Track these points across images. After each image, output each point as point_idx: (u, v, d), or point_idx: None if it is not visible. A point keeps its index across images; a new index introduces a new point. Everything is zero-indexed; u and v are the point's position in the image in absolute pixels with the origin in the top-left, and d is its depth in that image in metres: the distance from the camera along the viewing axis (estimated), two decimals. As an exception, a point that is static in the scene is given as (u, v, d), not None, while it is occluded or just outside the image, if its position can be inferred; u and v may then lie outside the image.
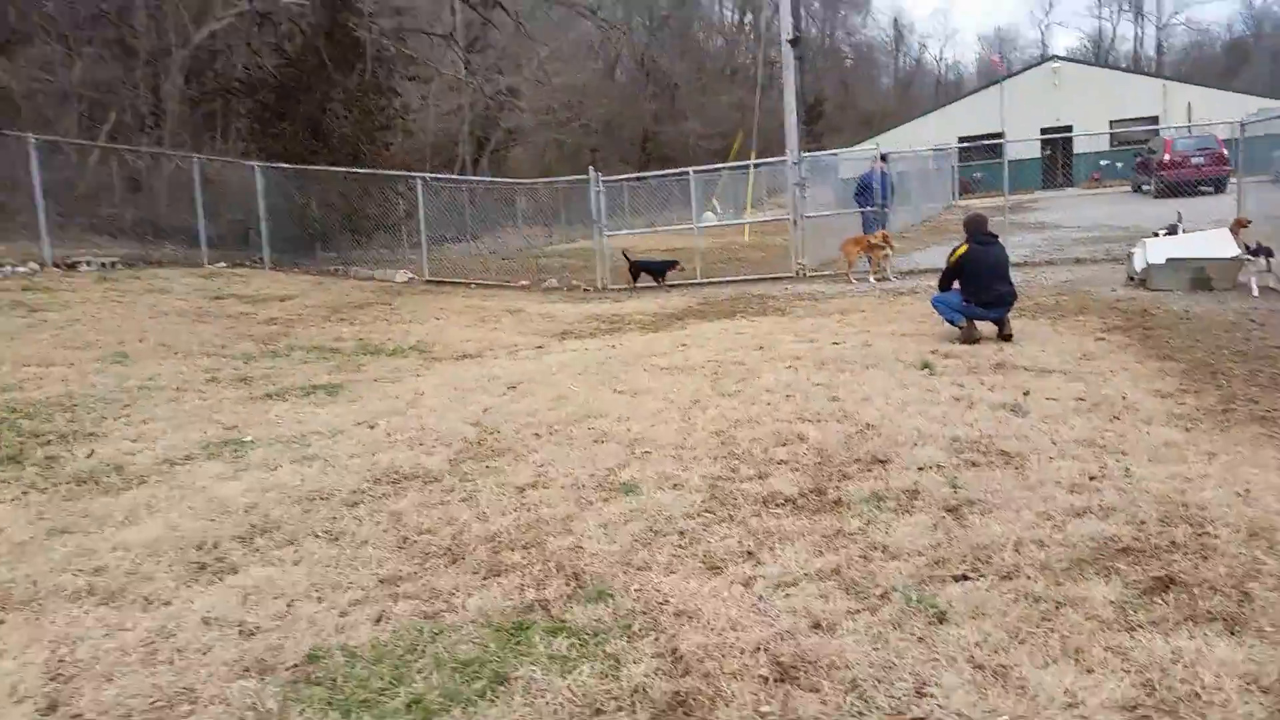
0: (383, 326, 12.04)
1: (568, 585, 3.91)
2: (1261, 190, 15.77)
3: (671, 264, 16.20)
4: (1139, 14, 74.17)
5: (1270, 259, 10.44)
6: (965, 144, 32.50)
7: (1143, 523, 4.15)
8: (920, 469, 5.14)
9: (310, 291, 15.21)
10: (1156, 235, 12.48)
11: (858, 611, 3.49)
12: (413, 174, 18.79)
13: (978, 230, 9.11)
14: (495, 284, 17.80)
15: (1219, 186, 26.79)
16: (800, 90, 17.49)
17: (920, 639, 3.26)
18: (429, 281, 17.60)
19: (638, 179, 22.03)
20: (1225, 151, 27.28)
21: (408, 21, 27.47)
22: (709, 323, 11.66)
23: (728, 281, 16.29)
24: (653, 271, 16.25)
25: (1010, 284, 9.00)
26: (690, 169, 16.81)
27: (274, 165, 18.94)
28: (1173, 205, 22.87)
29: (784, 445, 5.77)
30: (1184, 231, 12.22)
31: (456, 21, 30.26)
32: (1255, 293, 10.35)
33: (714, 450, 5.73)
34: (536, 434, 6.37)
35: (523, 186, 25.15)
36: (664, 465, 5.44)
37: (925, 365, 7.93)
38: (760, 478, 5.13)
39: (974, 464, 5.21)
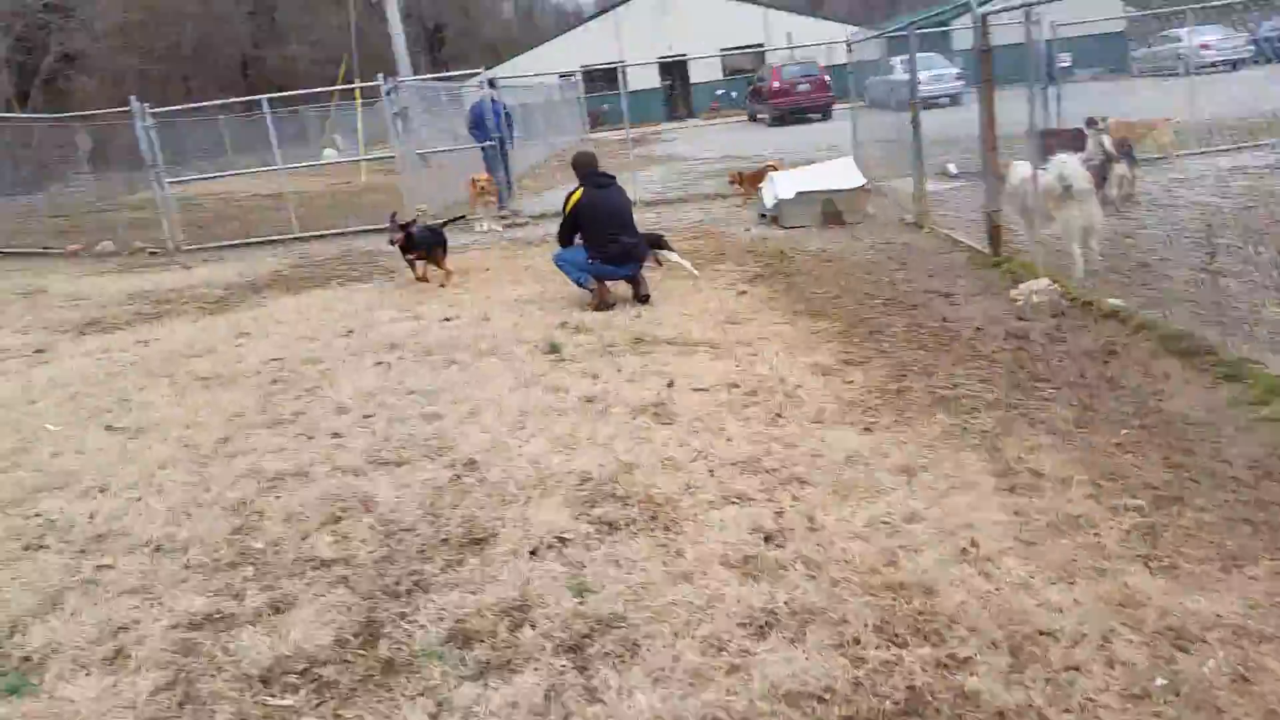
0: None
1: None
2: (868, 115, 15.90)
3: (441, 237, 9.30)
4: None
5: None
6: (587, 69, 31.44)
7: (857, 641, 2.70)
8: (534, 553, 3.41)
9: None
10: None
11: None
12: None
13: (590, 171, 7.54)
14: (33, 251, 13.91)
15: (825, 114, 27.99)
16: (418, 15, 15.10)
17: None
18: (-70, 253, 13.31)
19: (196, 109, 18.41)
20: (827, 79, 28.47)
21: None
22: (294, 296, 9.26)
23: (334, 234, 13.74)
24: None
25: (637, 234, 7.56)
26: (265, 96, 13.84)
27: None
28: (790, 132, 23.33)
29: (337, 523, 3.80)
30: None
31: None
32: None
33: (216, 550, 3.63)
34: (-77, 544, 3.88)
35: (75, 124, 20.32)
36: (113, 603, 3.25)
37: (553, 347, 6.28)
38: (274, 611, 3.13)
39: (610, 528, 3.58)
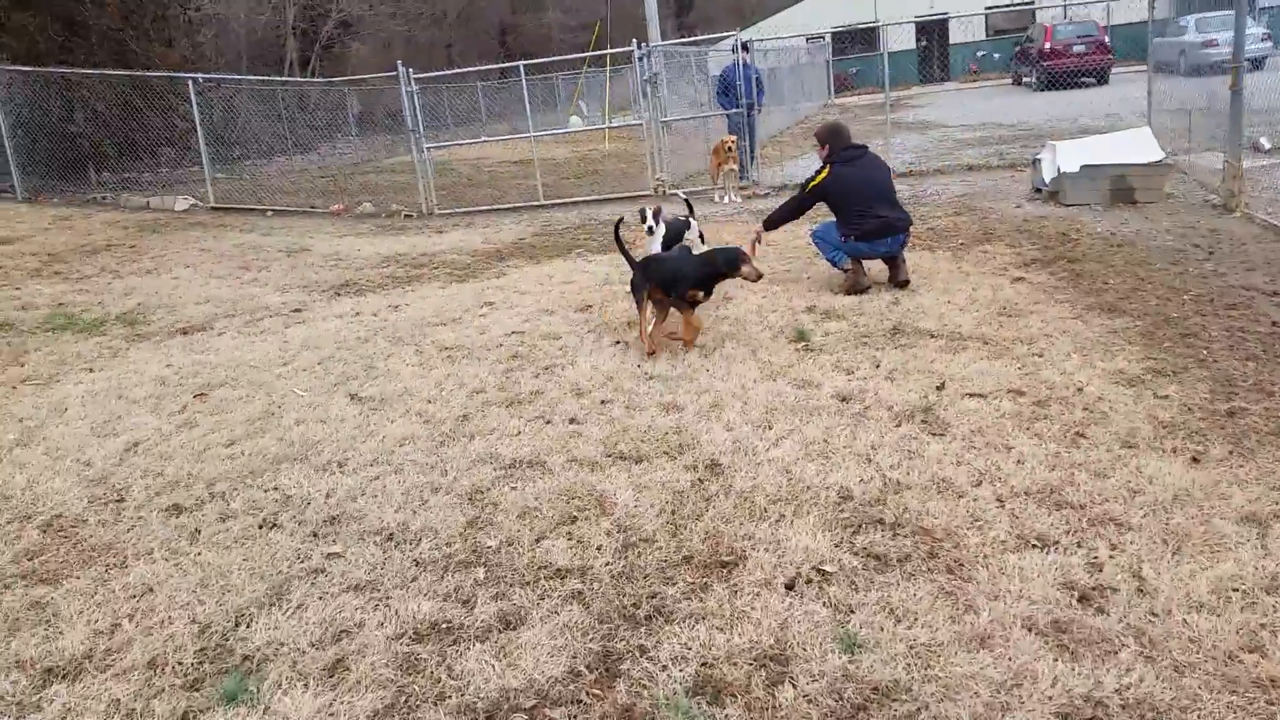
0: (104, 282, 9.16)
1: None
2: (1158, 80, 14.09)
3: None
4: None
5: None
6: (839, 30, 30.03)
7: (1224, 766, 2.06)
8: (790, 586, 2.95)
9: (44, 231, 12.03)
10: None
11: None
12: (179, 75, 15.31)
13: (838, 145, 6.83)
14: (300, 210, 14.82)
15: (1101, 78, 25.40)
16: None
17: None
18: (214, 209, 14.49)
19: (457, 75, 18.98)
20: (1107, 39, 25.81)
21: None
22: (536, 265, 9.22)
23: (575, 203, 13.76)
24: None
25: (899, 207, 6.79)
26: (521, 62, 14.03)
27: (13, 68, 15.25)
28: (1059, 98, 21.22)
29: (572, 523, 3.50)
30: None
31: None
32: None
33: (449, 544, 3.41)
34: (172, 507, 3.92)
35: (339, 89, 21.66)
36: (338, 599, 3.08)
37: (800, 335, 5.76)
38: (505, 626, 2.84)
39: (880, 563, 3.06)
